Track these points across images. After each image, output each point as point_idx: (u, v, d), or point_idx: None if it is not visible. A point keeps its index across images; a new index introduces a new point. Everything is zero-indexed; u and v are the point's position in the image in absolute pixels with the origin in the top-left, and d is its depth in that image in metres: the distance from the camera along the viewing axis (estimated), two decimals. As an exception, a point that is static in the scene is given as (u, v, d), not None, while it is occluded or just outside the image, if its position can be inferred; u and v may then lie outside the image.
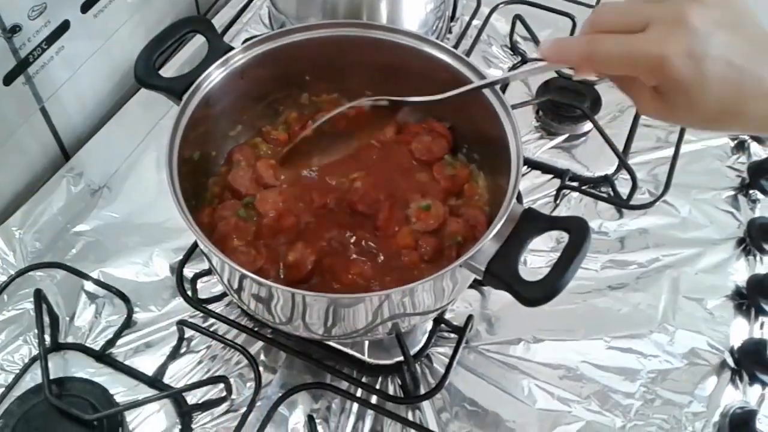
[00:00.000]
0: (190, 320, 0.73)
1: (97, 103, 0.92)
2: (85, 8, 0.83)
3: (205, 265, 0.76)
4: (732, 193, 0.87)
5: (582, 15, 1.02)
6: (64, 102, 0.86)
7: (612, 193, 0.86)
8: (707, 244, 0.82)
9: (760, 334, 0.76)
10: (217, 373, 0.71)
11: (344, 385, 0.70)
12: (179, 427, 0.67)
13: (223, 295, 0.75)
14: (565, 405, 0.70)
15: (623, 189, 0.86)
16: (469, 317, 0.74)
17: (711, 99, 0.48)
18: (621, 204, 0.85)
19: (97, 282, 0.76)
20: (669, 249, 0.81)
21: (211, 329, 0.73)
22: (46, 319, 0.71)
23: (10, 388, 0.68)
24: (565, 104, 0.91)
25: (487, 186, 0.73)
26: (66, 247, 0.79)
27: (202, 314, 0.74)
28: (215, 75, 0.69)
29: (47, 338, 0.70)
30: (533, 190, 0.86)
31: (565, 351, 0.73)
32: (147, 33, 0.93)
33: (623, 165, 0.86)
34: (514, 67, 0.98)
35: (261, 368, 0.70)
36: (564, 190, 0.86)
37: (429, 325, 0.74)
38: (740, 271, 0.80)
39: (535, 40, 0.99)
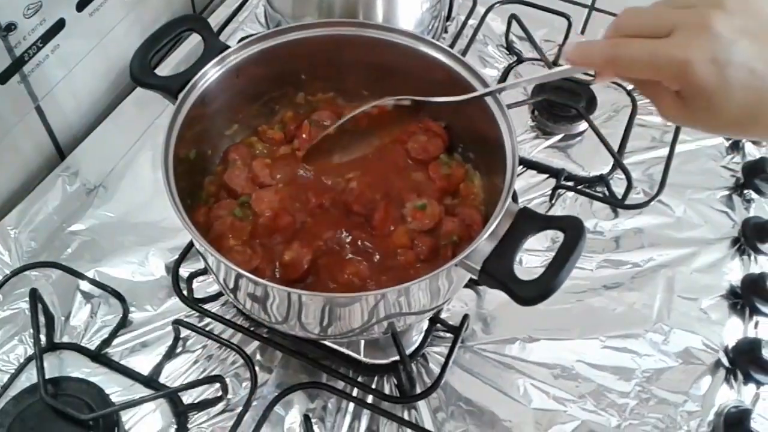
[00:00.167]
0: (185, 320, 0.73)
1: (92, 101, 0.92)
2: (80, 7, 0.83)
3: (201, 265, 0.76)
4: (726, 192, 0.87)
5: (578, 15, 1.02)
6: (59, 101, 0.86)
7: (607, 193, 0.86)
8: (702, 244, 0.82)
9: (754, 334, 0.77)
10: (212, 373, 0.71)
11: (340, 384, 0.70)
12: (175, 426, 0.67)
13: (219, 294, 0.75)
14: (560, 404, 0.70)
15: (618, 189, 0.86)
16: (465, 317, 0.74)
17: (733, 105, 0.48)
18: (616, 204, 0.85)
19: (93, 281, 0.75)
20: (664, 249, 0.82)
21: (207, 329, 0.73)
22: (42, 319, 0.71)
23: (5, 387, 0.68)
24: (560, 104, 0.92)
25: (483, 185, 0.74)
26: (61, 246, 0.79)
27: (197, 314, 0.74)
28: (211, 74, 0.68)
29: (43, 338, 0.70)
30: (529, 190, 0.87)
31: (561, 350, 0.74)
32: (142, 31, 0.93)
33: (618, 165, 0.86)
34: (509, 67, 0.99)
35: (257, 368, 0.70)
36: (559, 190, 0.86)
37: (425, 325, 0.74)
38: (735, 271, 0.81)
39: (531, 40, 0.99)
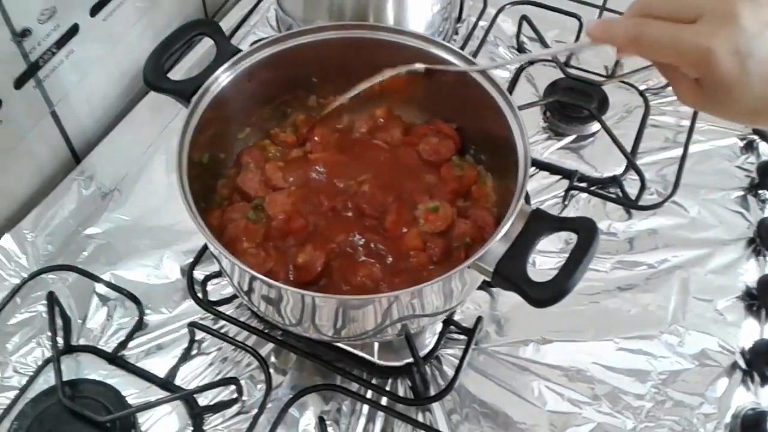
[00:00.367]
0: (200, 322, 0.74)
1: (106, 106, 0.93)
2: (94, 12, 0.83)
3: (216, 267, 0.77)
4: (741, 193, 0.86)
5: (588, 15, 1.02)
6: (74, 105, 0.86)
7: (620, 194, 0.86)
8: (717, 245, 0.82)
9: (770, 335, 0.76)
10: (228, 375, 0.71)
11: (354, 386, 0.70)
12: (191, 428, 0.67)
13: (234, 297, 0.76)
14: (575, 406, 0.70)
15: (632, 190, 0.85)
16: (479, 319, 0.74)
17: (751, 97, 0.48)
18: (629, 205, 0.84)
19: (109, 284, 0.76)
20: (678, 250, 0.81)
21: (222, 331, 0.73)
22: (59, 322, 0.72)
23: (23, 390, 0.68)
24: (572, 105, 0.91)
25: (495, 187, 0.74)
26: (77, 249, 0.79)
27: (212, 316, 0.74)
28: (223, 78, 0.69)
29: (60, 340, 0.70)
30: (541, 191, 0.86)
31: (575, 352, 0.73)
32: (155, 36, 0.93)
33: (631, 165, 0.86)
34: (520, 68, 0.98)
35: (271, 370, 0.71)
36: (572, 191, 0.86)
37: (438, 327, 0.74)
38: (750, 272, 0.80)
39: (542, 41, 0.99)
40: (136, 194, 0.85)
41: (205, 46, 0.95)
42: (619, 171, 0.87)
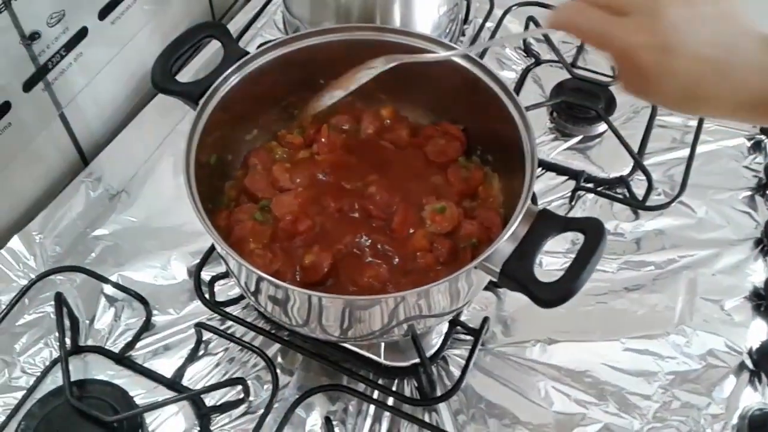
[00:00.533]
0: (207, 323, 0.74)
1: (114, 108, 0.93)
2: (102, 15, 0.84)
3: (223, 268, 0.77)
4: (749, 193, 0.86)
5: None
6: (82, 108, 0.87)
7: (627, 195, 0.86)
8: (724, 245, 0.81)
9: (779, 336, 0.76)
10: (234, 375, 0.71)
11: (361, 387, 0.71)
12: (198, 428, 0.68)
13: (240, 297, 0.76)
14: (582, 407, 0.70)
15: (639, 190, 0.85)
16: (485, 319, 0.74)
17: (677, 88, 0.50)
18: (637, 205, 0.84)
19: (116, 285, 0.76)
20: (686, 250, 0.81)
21: (229, 332, 0.74)
22: (67, 323, 0.72)
23: (31, 390, 0.69)
24: (579, 105, 0.91)
25: (502, 188, 0.74)
26: (85, 251, 0.80)
27: (219, 317, 0.75)
28: (231, 80, 0.69)
29: (68, 341, 0.71)
30: (548, 192, 0.86)
31: (582, 353, 0.73)
32: (163, 39, 0.94)
33: (638, 166, 0.86)
34: (527, 69, 0.98)
35: (278, 370, 0.71)
36: (579, 192, 0.86)
37: (445, 327, 0.74)
38: (758, 272, 0.80)
39: (549, 42, 0.99)
40: (143, 196, 0.85)
41: (213, 48, 0.95)
42: (626, 171, 0.87)
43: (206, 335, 0.74)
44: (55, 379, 0.69)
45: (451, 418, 0.69)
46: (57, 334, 0.70)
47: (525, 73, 0.98)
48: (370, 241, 0.68)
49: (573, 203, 0.85)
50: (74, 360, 0.70)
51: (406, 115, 0.79)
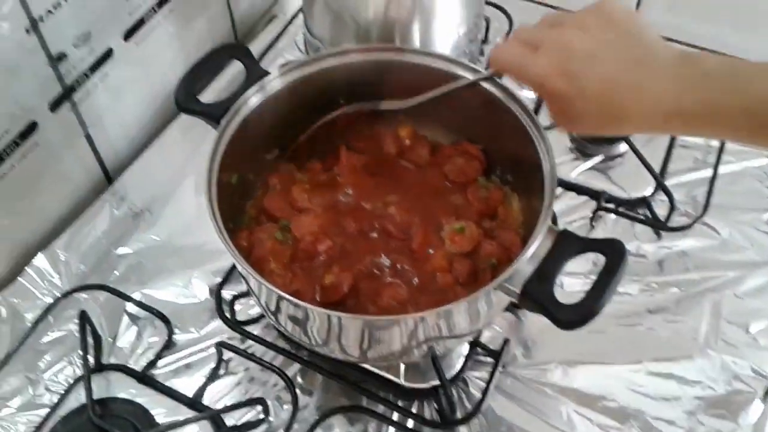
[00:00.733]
0: (228, 342, 0.74)
1: (138, 128, 0.95)
2: (127, 36, 0.86)
3: (243, 287, 0.77)
4: (773, 214, 0.85)
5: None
6: (107, 127, 0.88)
7: (649, 215, 0.85)
8: (749, 267, 0.80)
9: (805, 360, 0.74)
10: (254, 395, 0.71)
11: (380, 408, 0.70)
12: (217, 448, 0.68)
13: (261, 317, 0.76)
14: None
15: (661, 211, 0.84)
16: (506, 341, 0.73)
17: (593, 110, 0.55)
18: (659, 226, 0.83)
19: (139, 304, 0.77)
20: (709, 272, 0.80)
21: (249, 351, 0.74)
22: (90, 340, 0.73)
23: (55, 407, 0.69)
24: (600, 125, 0.91)
25: (522, 208, 0.73)
26: (109, 269, 0.81)
27: (240, 336, 0.75)
28: (252, 100, 0.70)
29: (91, 359, 0.71)
30: (569, 212, 0.86)
31: (605, 376, 0.72)
32: (187, 59, 0.95)
33: (660, 186, 0.85)
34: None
35: (298, 390, 0.71)
36: (600, 212, 0.85)
37: (465, 349, 0.73)
38: (784, 295, 0.78)
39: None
40: (166, 215, 0.86)
41: (235, 69, 0.96)
42: (647, 192, 0.86)
43: (227, 354, 0.74)
44: (78, 397, 0.70)
45: (471, 440, 0.68)
46: (80, 351, 0.71)
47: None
48: (389, 261, 0.69)
49: (594, 224, 0.84)
50: (97, 378, 0.71)
51: (425, 134, 0.79)
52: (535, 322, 0.75)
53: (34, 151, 0.77)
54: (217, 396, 0.71)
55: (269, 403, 0.70)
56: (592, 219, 0.85)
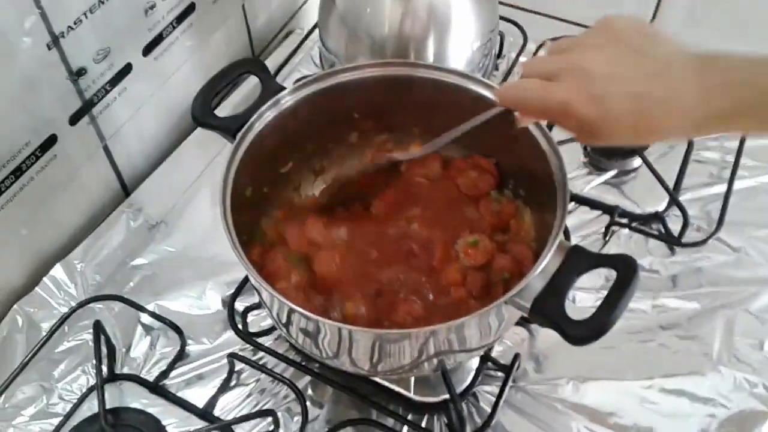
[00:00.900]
0: (240, 353, 0.75)
1: (156, 141, 0.96)
2: (146, 51, 0.87)
3: (256, 299, 0.78)
4: (788, 230, 0.84)
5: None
6: (125, 141, 0.90)
7: (663, 230, 0.84)
8: (763, 284, 0.79)
9: (821, 378, 0.73)
10: (265, 407, 0.71)
11: (390, 422, 0.70)
12: (228, 459, 0.68)
13: (273, 328, 0.77)
14: (616, 448, 0.68)
15: (675, 226, 0.84)
16: (516, 355, 0.73)
17: (626, 127, 0.53)
18: (672, 241, 0.83)
19: (153, 314, 0.78)
20: (723, 288, 0.79)
21: (261, 363, 0.74)
22: (104, 350, 0.74)
23: (68, 416, 0.70)
24: (613, 140, 0.91)
25: (534, 222, 0.73)
26: (124, 279, 0.82)
27: (251, 347, 0.75)
28: (267, 114, 0.71)
29: (104, 369, 0.72)
30: (582, 227, 0.86)
31: (616, 392, 0.72)
32: (204, 74, 0.96)
33: (674, 202, 0.85)
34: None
35: (308, 403, 0.71)
36: (613, 227, 0.85)
37: (475, 363, 0.73)
38: (799, 312, 0.77)
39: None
40: (181, 226, 0.87)
41: (251, 83, 0.98)
42: (661, 207, 0.86)
43: (238, 366, 0.74)
44: (91, 406, 0.70)
45: (481, 455, 0.68)
46: (94, 361, 0.72)
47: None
48: (407, 278, 0.68)
49: (607, 239, 0.84)
50: (110, 388, 0.72)
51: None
52: (547, 336, 0.75)
53: (53, 163, 0.78)
54: (228, 407, 0.72)
55: (279, 414, 0.70)
56: (605, 234, 0.84)
